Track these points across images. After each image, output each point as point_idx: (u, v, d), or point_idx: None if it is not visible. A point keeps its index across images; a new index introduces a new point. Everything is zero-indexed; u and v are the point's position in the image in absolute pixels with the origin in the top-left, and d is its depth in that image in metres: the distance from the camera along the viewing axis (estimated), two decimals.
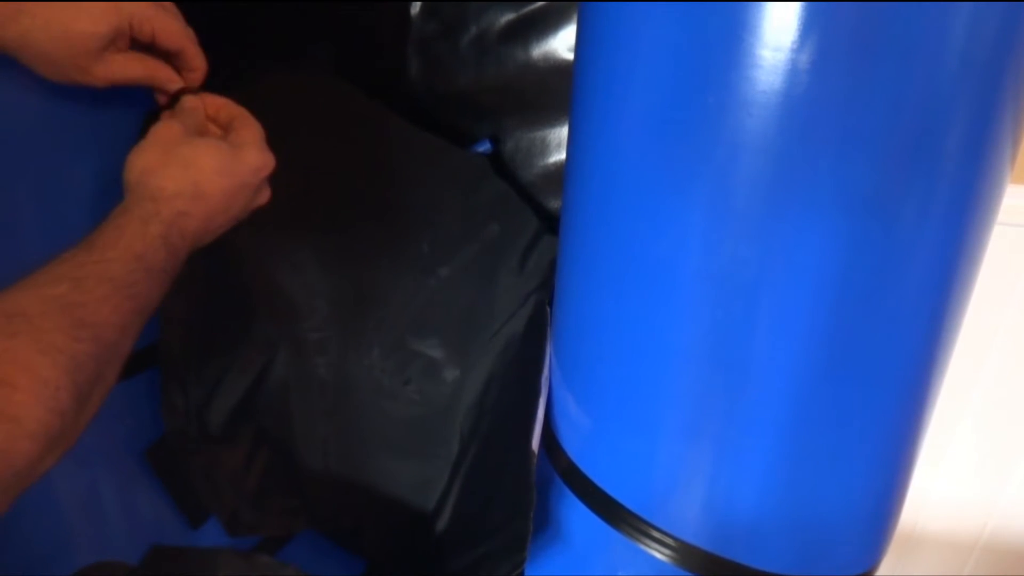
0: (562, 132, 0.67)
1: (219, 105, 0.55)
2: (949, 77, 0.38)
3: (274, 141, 0.65)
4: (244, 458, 0.75)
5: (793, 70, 0.37)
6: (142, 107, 0.60)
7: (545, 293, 0.68)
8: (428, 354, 0.73)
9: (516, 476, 0.58)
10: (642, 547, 0.53)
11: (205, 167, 0.49)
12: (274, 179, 0.56)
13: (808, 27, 0.36)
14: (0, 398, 0.36)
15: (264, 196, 0.56)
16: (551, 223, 0.69)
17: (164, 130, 0.50)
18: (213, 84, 0.57)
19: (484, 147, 0.70)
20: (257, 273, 0.72)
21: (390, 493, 0.76)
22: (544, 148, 0.68)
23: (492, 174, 0.69)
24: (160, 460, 0.71)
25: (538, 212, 0.70)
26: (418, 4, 0.67)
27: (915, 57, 0.37)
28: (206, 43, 0.56)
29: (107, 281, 0.43)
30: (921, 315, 0.45)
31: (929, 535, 1.07)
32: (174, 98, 0.55)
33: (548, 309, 0.61)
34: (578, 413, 0.56)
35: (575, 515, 0.57)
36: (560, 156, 0.68)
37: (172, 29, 0.53)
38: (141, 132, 0.59)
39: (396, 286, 0.72)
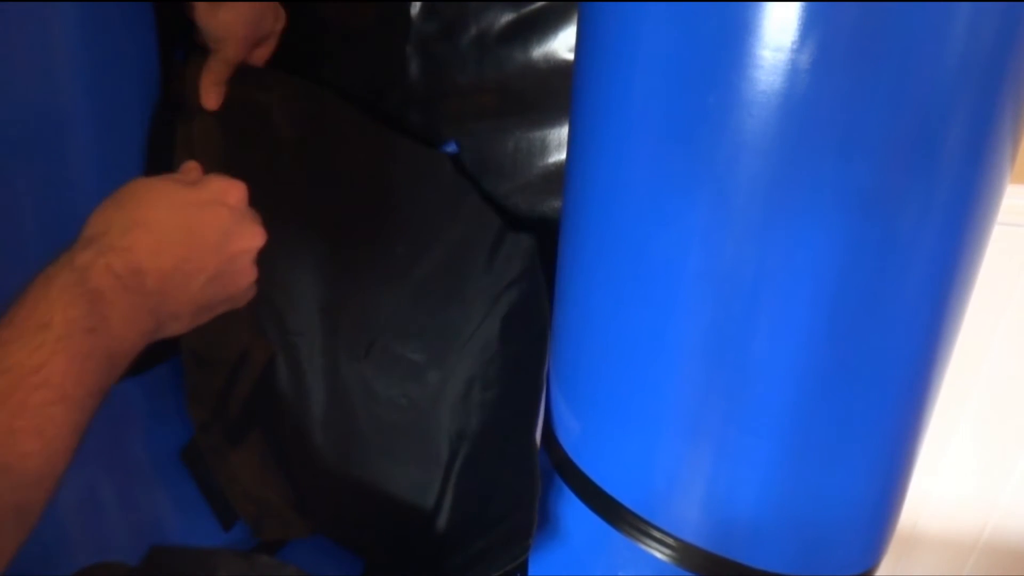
0: (562, 132, 0.67)
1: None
2: (949, 77, 0.38)
3: (247, 147, 0.66)
4: (250, 460, 0.76)
5: (793, 70, 0.37)
6: (143, 105, 0.60)
7: (517, 291, 0.68)
8: (411, 358, 0.74)
9: (517, 469, 0.58)
10: (640, 546, 0.53)
11: (148, 198, 0.40)
12: (252, 185, 0.53)
13: (808, 27, 0.36)
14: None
15: (249, 274, 0.46)
16: (551, 223, 0.69)
17: (128, 183, 0.42)
18: None
19: (450, 148, 0.70)
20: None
21: (387, 497, 0.76)
22: (544, 148, 0.68)
23: (454, 172, 0.69)
24: (193, 460, 0.71)
25: (537, 212, 0.70)
26: (418, 4, 0.67)
27: (915, 57, 0.37)
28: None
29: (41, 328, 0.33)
30: (921, 315, 0.45)
31: (929, 535, 1.07)
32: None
33: (549, 305, 0.61)
34: (574, 410, 0.56)
35: (572, 512, 0.57)
36: (560, 156, 0.68)
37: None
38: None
39: (377, 290, 0.73)
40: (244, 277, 0.45)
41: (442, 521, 0.74)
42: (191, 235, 0.41)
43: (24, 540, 0.34)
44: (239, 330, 0.72)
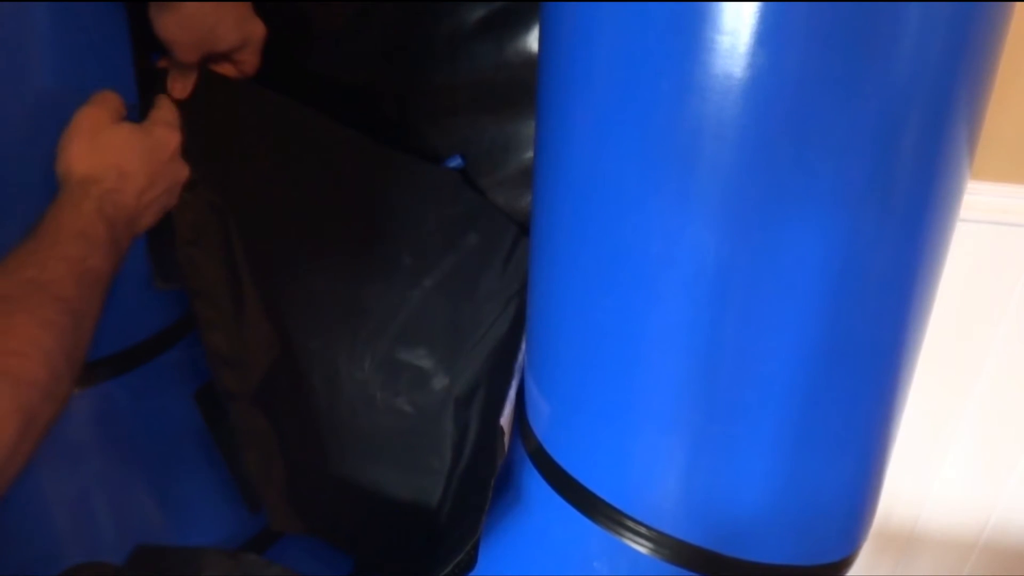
0: None
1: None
2: (905, 65, 0.38)
3: (252, 164, 0.67)
4: (255, 455, 0.76)
5: (745, 54, 0.37)
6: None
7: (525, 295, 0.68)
8: (417, 364, 0.74)
9: (484, 452, 0.59)
10: (615, 536, 0.53)
11: (124, 151, 0.55)
12: (263, 200, 0.59)
13: (762, 11, 0.36)
14: (17, 366, 0.43)
15: (183, 171, 0.60)
16: (526, 219, 0.69)
17: (85, 119, 0.54)
18: None
19: (455, 162, 0.71)
20: (257, 275, 0.72)
21: (388, 503, 0.76)
22: (519, 143, 0.69)
23: (465, 186, 0.70)
24: (206, 403, 0.73)
25: (515, 208, 0.71)
26: (392, 2, 0.68)
27: (869, 44, 0.37)
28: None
29: (63, 260, 0.48)
30: (892, 301, 0.45)
31: (929, 535, 1.06)
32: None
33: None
34: (548, 399, 0.56)
35: (547, 502, 0.57)
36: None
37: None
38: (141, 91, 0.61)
39: (382, 299, 0.73)
40: (183, 173, 0.60)
41: (442, 521, 0.75)
42: (156, 178, 0.56)
43: (31, 450, 0.43)
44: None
